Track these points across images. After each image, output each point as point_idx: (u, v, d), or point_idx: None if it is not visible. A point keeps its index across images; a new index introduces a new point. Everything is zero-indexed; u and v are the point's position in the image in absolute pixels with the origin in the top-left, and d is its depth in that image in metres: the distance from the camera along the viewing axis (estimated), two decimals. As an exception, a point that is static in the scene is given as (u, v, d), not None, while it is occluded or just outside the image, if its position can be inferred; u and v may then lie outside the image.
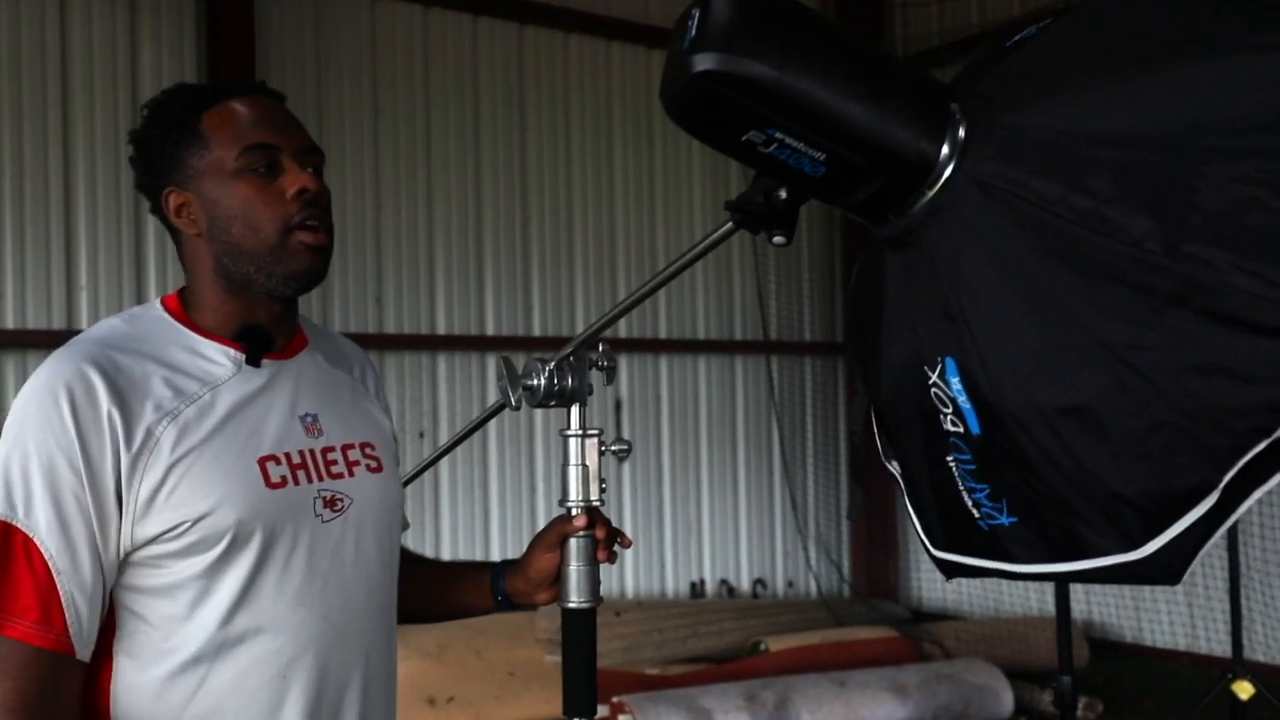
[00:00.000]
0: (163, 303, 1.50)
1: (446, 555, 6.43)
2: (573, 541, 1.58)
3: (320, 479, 1.47)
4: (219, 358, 1.45)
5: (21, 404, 1.36)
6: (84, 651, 1.34)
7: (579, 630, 1.61)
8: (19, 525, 1.31)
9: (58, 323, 5.34)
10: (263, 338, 1.48)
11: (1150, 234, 0.97)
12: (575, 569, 1.59)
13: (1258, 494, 1.01)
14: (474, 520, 6.54)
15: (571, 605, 1.59)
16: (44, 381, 1.35)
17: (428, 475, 6.36)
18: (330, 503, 1.47)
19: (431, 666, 5.37)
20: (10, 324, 5.26)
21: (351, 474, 1.51)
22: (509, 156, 6.71)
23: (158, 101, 1.50)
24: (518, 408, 1.58)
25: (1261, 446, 0.97)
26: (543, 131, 6.82)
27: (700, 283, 7.39)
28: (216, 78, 5.58)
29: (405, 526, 1.69)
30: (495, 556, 6.50)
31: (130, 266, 5.53)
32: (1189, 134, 0.98)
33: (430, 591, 1.73)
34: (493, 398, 6.80)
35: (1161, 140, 0.99)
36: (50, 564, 1.31)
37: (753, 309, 7.52)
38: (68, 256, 5.41)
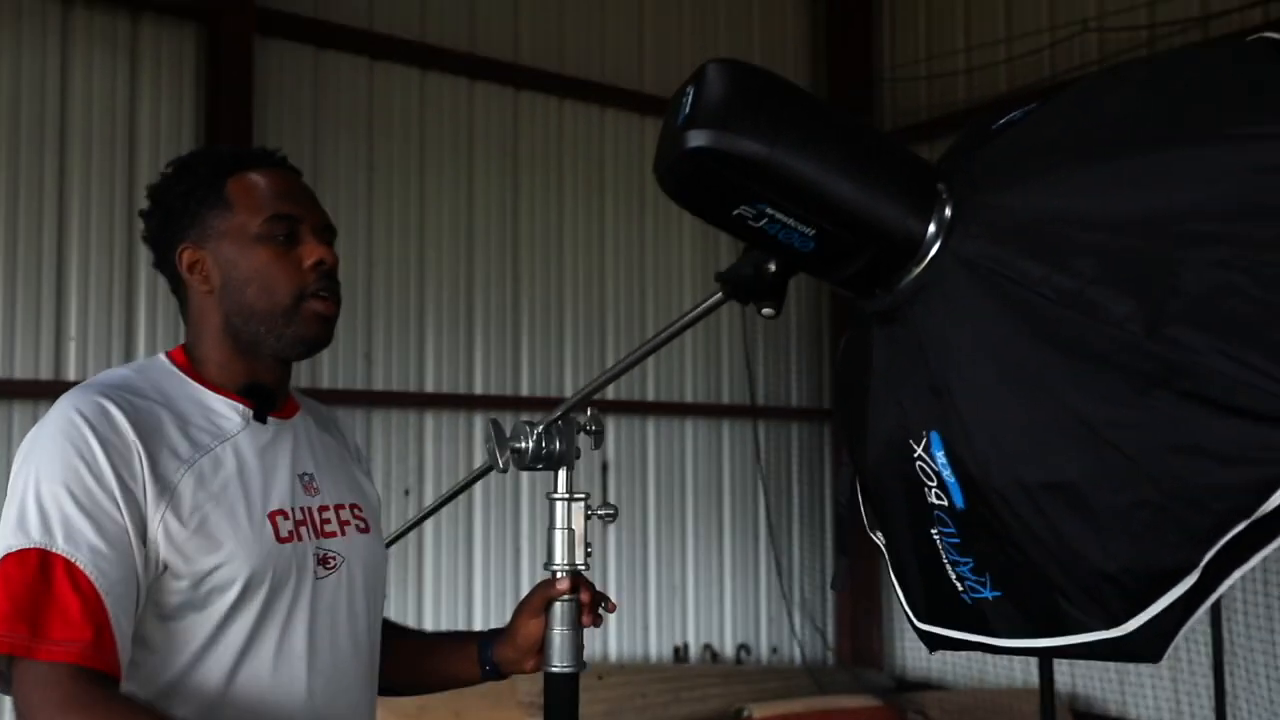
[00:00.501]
0: (169, 356, 1.53)
1: (429, 617, 6.37)
2: (556, 605, 1.58)
3: (317, 536, 1.50)
4: (228, 412, 1.49)
5: (41, 437, 1.36)
6: (122, 676, 1.34)
7: (562, 695, 1.61)
8: (59, 551, 1.29)
9: (45, 373, 5.32)
10: (269, 395, 1.52)
11: (1132, 316, 0.99)
12: (559, 633, 1.59)
13: (1237, 574, 1.02)
14: (457, 581, 6.49)
15: (555, 670, 1.59)
16: (63, 414, 1.36)
17: (412, 535, 6.32)
18: (324, 560, 1.50)
19: None
20: (-3, 373, 5.26)
21: (344, 533, 1.55)
22: (501, 218, 6.76)
23: (184, 161, 1.56)
24: (505, 470, 1.59)
25: (1241, 527, 0.98)
26: (535, 194, 6.88)
27: (689, 347, 7.42)
28: (214, 133, 5.63)
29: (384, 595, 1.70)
30: (478, 618, 6.45)
31: (120, 319, 5.54)
32: (1170, 220, 1.00)
33: (416, 663, 1.75)
34: (480, 457, 6.78)
35: (1143, 225, 1.01)
36: (97, 586, 1.29)
37: (740, 373, 7.55)
38: (58, 307, 5.41)
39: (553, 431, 1.58)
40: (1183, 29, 6.09)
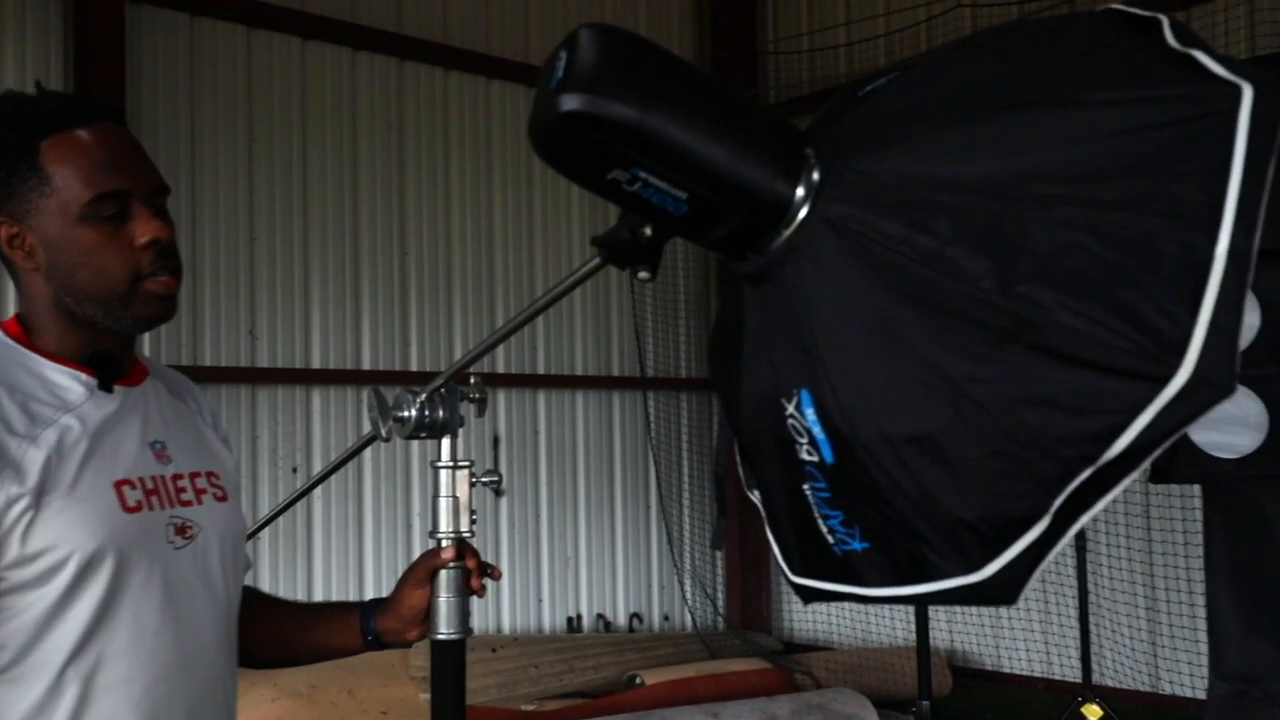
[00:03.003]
0: (3, 328, 1.45)
1: (319, 591, 6.30)
2: (442, 573, 1.58)
3: (171, 505, 1.45)
4: (69, 382, 1.42)
5: None
6: None
7: (448, 662, 1.61)
8: None
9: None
10: (114, 363, 1.45)
11: (986, 274, 1.04)
12: (444, 600, 1.59)
13: (1085, 517, 1.08)
14: (348, 555, 6.43)
15: (441, 637, 1.59)
16: None
17: (300, 510, 6.23)
18: (181, 530, 1.45)
19: (302, 707, 5.24)
20: None
21: (200, 502, 1.50)
22: (387, 190, 6.67)
23: None
24: (388, 439, 1.59)
25: (1086, 474, 1.04)
26: (422, 166, 6.80)
27: (579, 319, 7.43)
28: (84, 90, 5.43)
29: (248, 565, 1.66)
30: (370, 592, 6.39)
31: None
32: (1021, 181, 1.05)
33: (293, 633, 1.71)
34: (367, 429, 6.69)
35: (997, 187, 1.06)
36: None
37: (630, 345, 7.59)
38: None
39: (436, 400, 1.58)
40: (1052, 6, 6.29)
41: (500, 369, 6.99)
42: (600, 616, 7.44)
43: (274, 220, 6.26)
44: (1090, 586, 4.90)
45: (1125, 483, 1.05)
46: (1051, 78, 1.11)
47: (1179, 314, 0.98)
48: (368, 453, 6.50)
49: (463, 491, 1.59)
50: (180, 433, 1.54)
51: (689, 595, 7.70)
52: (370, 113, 6.60)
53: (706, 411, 7.97)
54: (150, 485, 1.43)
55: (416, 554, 6.35)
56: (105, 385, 1.43)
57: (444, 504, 1.58)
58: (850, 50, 7.33)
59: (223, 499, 1.55)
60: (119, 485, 1.39)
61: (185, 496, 1.48)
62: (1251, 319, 3.01)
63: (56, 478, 1.34)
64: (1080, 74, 1.11)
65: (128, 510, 1.39)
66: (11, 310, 1.52)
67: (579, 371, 7.44)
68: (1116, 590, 6.13)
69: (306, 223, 6.37)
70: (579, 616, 7.35)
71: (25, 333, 1.44)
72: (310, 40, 6.37)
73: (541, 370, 7.27)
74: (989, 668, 6.79)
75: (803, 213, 1.13)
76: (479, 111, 7.06)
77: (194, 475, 1.51)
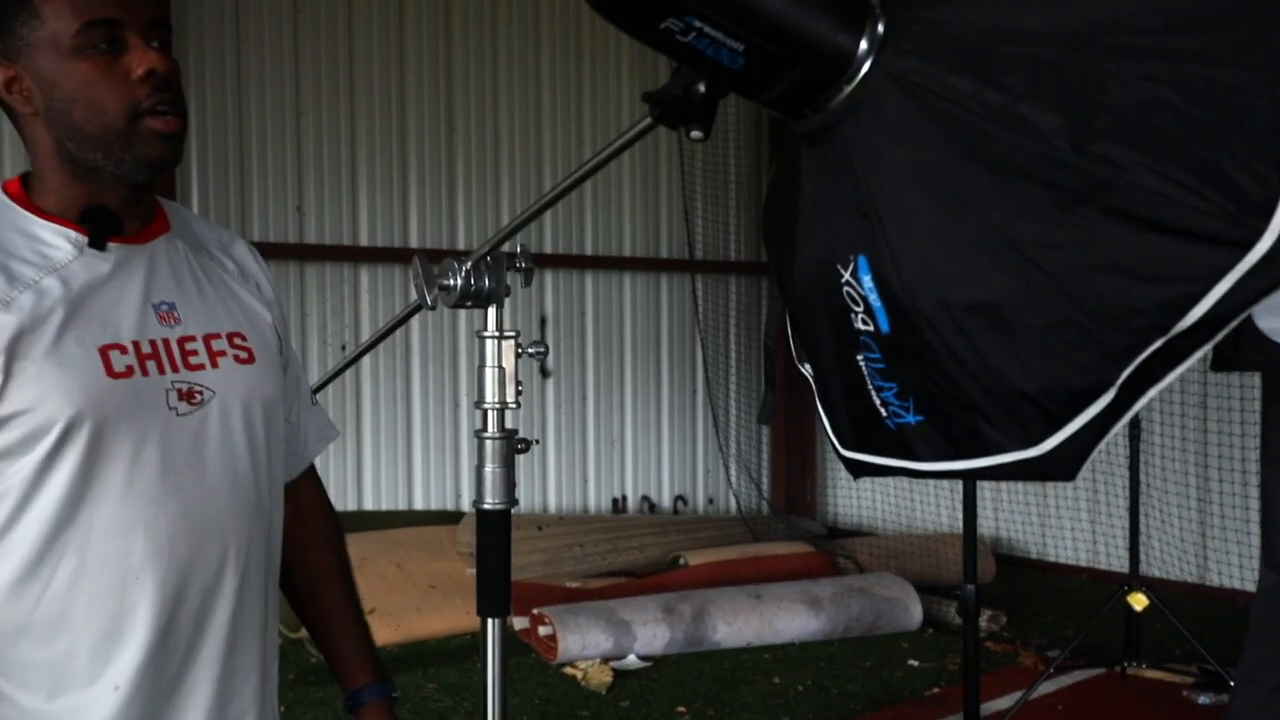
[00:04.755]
0: (3, 186, 1.40)
1: (369, 468, 6.40)
2: (488, 443, 1.57)
3: (175, 370, 1.38)
4: (58, 240, 1.35)
5: None
6: None
7: (493, 531, 1.61)
8: None
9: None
10: (108, 219, 1.37)
11: (1060, 131, 0.97)
12: (490, 470, 1.58)
13: (1152, 392, 1.03)
14: (396, 432, 6.51)
15: (487, 507, 1.59)
16: None
17: (349, 385, 6.31)
18: (187, 395, 1.38)
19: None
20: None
21: (215, 365, 1.42)
22: (434, 64, 6.57)
23: None
24: (434, 307, 1.56)
25: (1157, 345, 0.99)
26: (469, 38, 6.69)
27: (627, 201, 7.36)
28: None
29: (333, 434, 1.61)
30: (418, 467, 6.50)
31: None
32: (1101, 32, 0.98)
33: (314, 621, 1.67)
34: (416, 311, 6.72)
35: (1075, 38, 0.99)
36: None
37: (679, 227, 7.51)
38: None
39: (481, 268, 1.55)
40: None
41: (548, 249, 6.96)
42: (645, 498, 7.53)
43: (320, 95, 6.20)
44: (1142, 476, 4.85)
45: (1197, 355, 1.00)
46: (1139, -80, 1.03)
47: (1267, 174, 0.92)
48: (415, 328, 6.54)
49: (509, 362, 1.57)
50: (197, 291, 1.46)
51: (734, 479, 7.76)
52: (417, -16, 6.48)
53: (755, 295, 7.91)
54: (148, 350, 1.36)
55: (464, 431, 6.35)
56: (96, 243, 1.36)
57: (490, 374, 1.56)
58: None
59: (248, 360, 1.47)
60: (105, 350, 1.33)
61: (195, 360, 1.41)
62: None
63: (30, 343, 1.28)
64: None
65: (114, 375, 1.32)
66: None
67: (627, 253, 7.40)
68: (1169, 480, 6.08)
69: (353, 98, 6.31)
70: (624, 497, 7.44)
71: (25, 191, 1.39)
72: (356, -92, 6.23)
73: (590, 251, 7.22)
74: (1034, 555, 6.81)
75: (866, 66, 1.07)
76: (528, -20, 6.91)
77: (210, 337, 1.43)
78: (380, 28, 6.37)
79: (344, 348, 6.31)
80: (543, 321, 7.06)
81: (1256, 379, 4.68)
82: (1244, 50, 0.94)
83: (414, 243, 6.52)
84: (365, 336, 6.36)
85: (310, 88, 6.16)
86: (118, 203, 1.38)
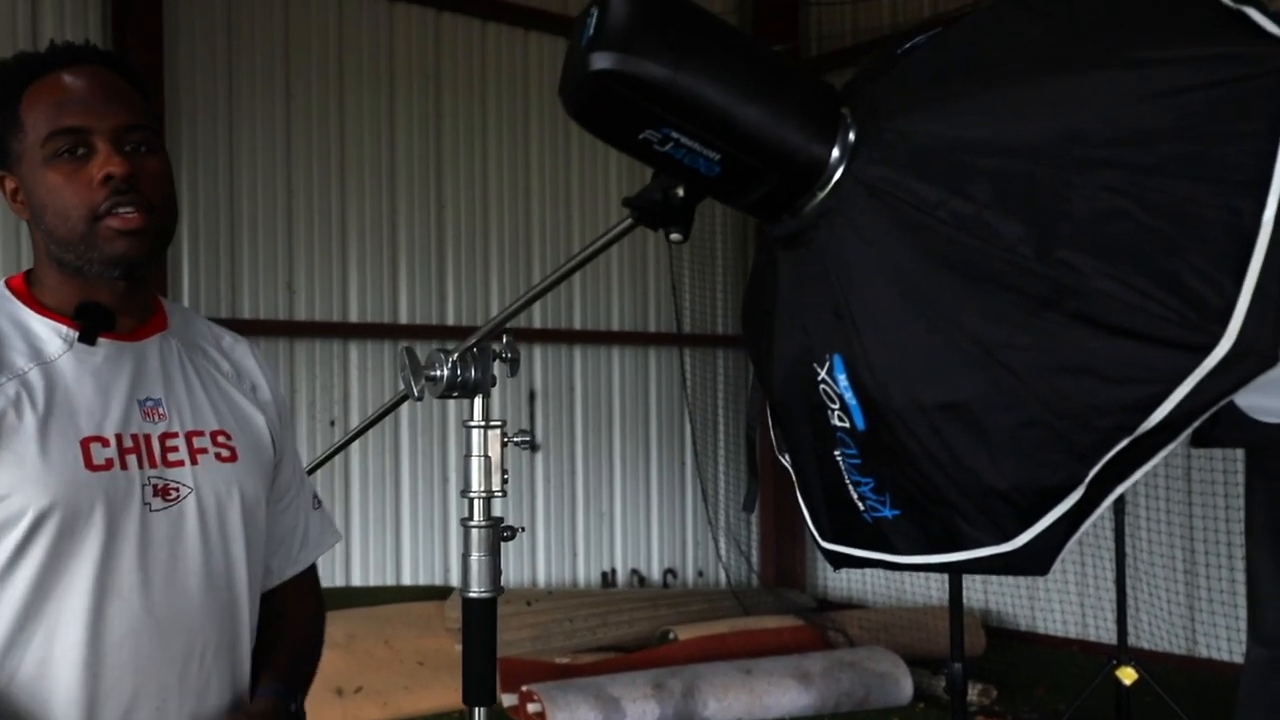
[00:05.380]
0: (6, 282, 1.46)
1: (356, 543, 6.37)
2: (474, 532, 1.58)
3: (153, 465, 1.41)
4: (50, 334, 1.40)
5: None
6: None
7: (479, 620, 1.61)
8: None
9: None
10: (100, 315, 1.41)
11: (1024, 239, 1.01)
12: (476, 559, 1.59)
13: (1120, 489, 1.06)
14: (385, 509, 6.49)
15: (472, 595, 1.59)
16: None
17: (338, 463, 6.29)
18: (163, 491, 1.41)
19: (339, 656, 5.33)
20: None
21: (195, 461, 1.44)
22: (424, 143, 6.66)
23: None
24: (420, 398, 1.58)
25: (1123, 444, 1.02)
26: (459, 119, 6.78)
27: (615, 274, 7.42)
28: (122, 47, 5.44)
29: (337, 538, 1.62)
30: (406, 546, 6.47)
31: (13, 241, 5.38)
32: (1061, 144, 1.03)
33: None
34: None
35: (1036, 149, 1.03)
36: None
37: (666, 301, 7.57)
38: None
39: (468, 359, 1.57)
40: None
41: (536, 324, 7.00)
42: (634, 571, 7.49)
43: (311, 173, 6.27)
44: (1128, 548, 4.86)
45: (1163, 454, 1.03)
46: (1096, 36, 1.08)
47: (1223, 282, 0.96)
48: (405, 406, 6.54)
49: (494, 451, 1.59)
50: (188, 389, 1.49)
51: (723, 551, 7.73)
52: (408, 65, 6.58)
53: (743, 368, 7.94)
54: (129, 444, 1.39)
55: (453, 507, 6.35)
56: (86, 338, 1.40)
57: (475, 463, 1.58)
58: (894, 1, 7.20)
59: (229, 459, 1.48)
60: (86, 442, 1.35)
61: (175, 456, 1.43)
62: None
63: (12, 431, 1.31)
64: (1126, 32, 1.07)
65: (92, 468, 1.35)
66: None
67: (615, 327, 7.44)
68: (1155, 553, 6.08)
69: (344, 176, 6.38)
70: (613, 571, 7.40)
71: (27, 287, 1.45)
72: (348, -8, 6.35)
73: (578, 326, 7.26)
74: (1023, 628, 6.78)
75: (838, 174, 1.11)
76: (516, 64, 7.02)
77: (193, 434, 1.46)
78: (371, 107, 6.46)
79: (332, 424, 6.31)
80: (531, 396, 7.08)
81: (1239, 453, 4.71)
82: (1199, 162, 0.98)
83: (403, 319, 6.55)
84: (354, 412, 6.37)
85: (301, 167, 6.23)
86: (110, 300, 1.43)
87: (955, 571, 1.17)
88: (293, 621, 1.67)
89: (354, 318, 6.41)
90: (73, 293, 1.42)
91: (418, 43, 6.62)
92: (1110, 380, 1.00)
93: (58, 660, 1.34)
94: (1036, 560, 1.10)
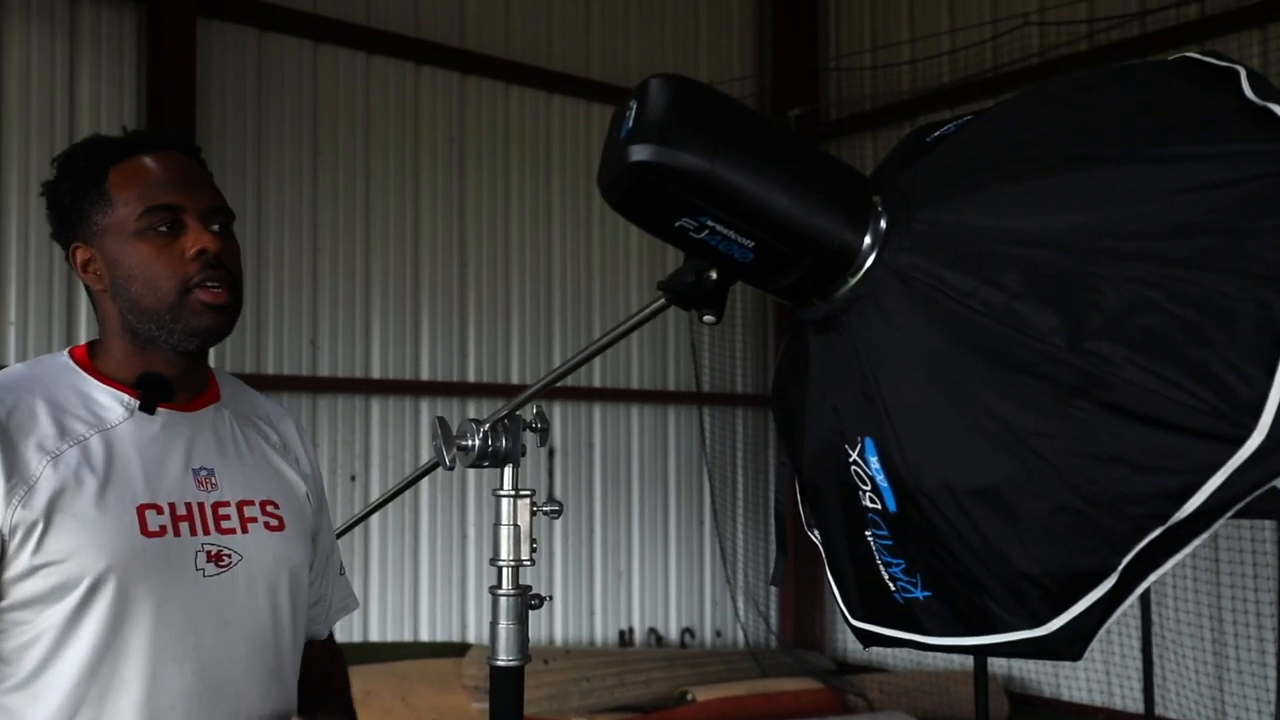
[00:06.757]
0: (70, 352, 1.51)
1: (375, 602, 6.36)
2: (502, 600, 1.59)
3: (206, 532, 1.46)
4: (110, 402, 1.46)
5: None
6: None
7: (507, 688, 1.62)
8: None
9: (-18, 358, 5.25)
10: (161, 386, 1.47)
11: (1055, 329, 1.03)
12: (504, 627, 1.60)
13: (1153, 577, 1.06)
14: (404, 570, 6.49)
15: (500, 663, 1.60)
16: None
17: (358, 526, 6.29)
18: (215, 558, 1.45)
19: (357, 713, 5.29)
20: (-68, 359, 5.17)
21: (245, 530, 1.50)
22: (448, 204, 6.74)
23: (67, 155, 1.51)
24: (452, 468, 1.60)
25: (1157, 533, 1.03)
26: (482, 179, 6.87)
27: (634, 334, 7.44)
28: (156, 116, 5.55)
29: (355, 605, 1.65)
30: (424, 606, 6.46)
31: (61, 304, 5.46)
32: (1091, 237, 1.04)
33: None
34: (425, 442, 6.77)
35: (1066, 241, 1.05)
36: None
37: (686, 360, 7.59)
38: (-5, 291, 5.33)
39: (499, 429, 1.59)
40: (1120, 23, 6.21)
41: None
42: (652, 630, 7.44)
43: (337, 232, 6.35)
44: (1155, 615, 4.81)
45: (1196, 543, 1.03)
46: (1125, 130, 1.10)
47: (1254, 375, 0.97)
48: (423, 459, 6.56)
49: (523, 520, 1.60)
50: (239, 460, 1.55)
51: (741, 612, 7.68)
52: (432, 127, 6.68)
53: (762, 427, 7.94)
54: (182, 511, 1.44)
55: (472, 565, 6.34)
56: (146, 407, 1.46)
57: (505, 532, 1.59)
58: (914, 67, 7.28)
59: (278, 528, 1.54)
60: (142, 509, 1.40)
61: (227, 524, 1.48)
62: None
63: (72, 496, 1.36)
64: (1154, 126, 1.10)
65: (147, 534, 1.40)
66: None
67: (634, 385, 7.46)
68: (1182, 620, 6.01)
69: (368, 235, 6.45)
70: (631, 630, 7.36)
71: (90, 357, 1.50)
72: (374, 55, 6.46)
73: (597, 384, 7.29)
74: (1047, 694, 6.69)
75: (869, 262, 1.13)
76: (539, 126, 7.11)
77: (244, 503, 1.51)
78: (396, 167, 6.55)
79: (353, 479, 6.33)
80: (550, 453, 7.09)
81: (1267, 522, 4.68)
82: (1228, 256, 1.00)
83: (425, 375, 6.59)
84: (375, 467, 6.39)
85: (327, 224, 6.32)
86: (171, 372, 1.49)
87: (987, 654, 1.17)
88: (331, 672, 1.73)
89: (376, 374, 6.46)
90: (136, 364, 1.48)
91: (442, 104, 6.72)
92: (1142, 469, 1.01)
93: None
94: (1069, 645, 1.10)
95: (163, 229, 1.45)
